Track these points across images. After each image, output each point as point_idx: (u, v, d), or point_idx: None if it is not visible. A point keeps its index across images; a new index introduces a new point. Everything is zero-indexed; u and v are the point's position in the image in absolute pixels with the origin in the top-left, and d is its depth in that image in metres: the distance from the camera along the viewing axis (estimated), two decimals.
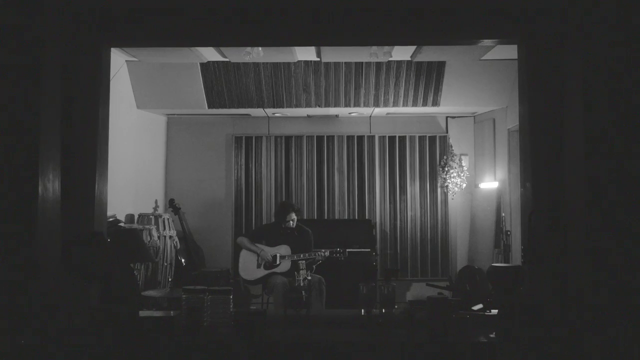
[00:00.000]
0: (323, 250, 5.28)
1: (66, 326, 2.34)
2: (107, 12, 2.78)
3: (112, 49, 3.10)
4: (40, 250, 2.40)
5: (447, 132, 6.93)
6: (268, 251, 5.30)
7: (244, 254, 5.38)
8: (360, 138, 6.91)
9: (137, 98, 6.09)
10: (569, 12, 2.61)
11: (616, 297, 2.33)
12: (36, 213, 2.38)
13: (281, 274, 5.17)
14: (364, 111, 6.51)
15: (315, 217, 6.77)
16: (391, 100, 6.11)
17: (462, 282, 6.22)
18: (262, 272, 5.28)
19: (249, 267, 5.32)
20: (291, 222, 5.36)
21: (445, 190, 6.79)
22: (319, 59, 5.66)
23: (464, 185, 6.67)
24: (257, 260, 5.31)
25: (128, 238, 4.32)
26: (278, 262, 5.25)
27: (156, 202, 6.51)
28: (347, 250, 5.47)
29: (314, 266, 5.29)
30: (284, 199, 6.75)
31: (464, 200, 6.86)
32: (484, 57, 5.51)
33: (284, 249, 5.30)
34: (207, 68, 5.84)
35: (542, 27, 2.74)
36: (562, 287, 2.57)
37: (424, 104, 6.15)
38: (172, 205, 6.10)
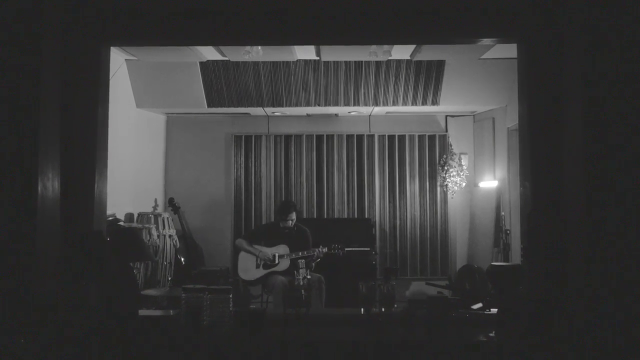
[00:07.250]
0: (320, 247, 5.28)
1: (66, 326, 2.34)
2: (107, 11, 2.78)
3: (112, 48, 3.10)
4: (39, 250, 2.40)
5: (446, 131, 6.92)
6: (267, 251, 5.30)
7: (242, 255, 5.38)
8: (360, 137, 6.91)
9: (137, 97, 6.09)
10: (568, 11, 2.60)
11: (616, 296, 2.33)
12: (36, 212, 2.38)
13: (280, 274, 5.18)
14: (364, 110, 6.51)
15: (315, 216, 6.78)
16: (391, 99, 6.10)
17: (461, 281, 6.22)
18: (261, 272, 5.28)
19: (248, 267, 5.33)
20: (290, 221, 5.37)
21: (445, 189, 6.79)
22: (318, 58, 5.66)
23: (464, 184, 6.67)
24: (257, 261, 5.31)
25: (127, 237, 4.31)
26: (277, 262, 5.26)
27: (156, 201, 6.51)
28: (347, 249, 5.47)
29: (313, 264, 5.29)
30: (283, 198, 6.76)
31: (464, 199, 6.86)
32: (484, 56, 5.51)
33: (282, 249, 5.30)
34: (207, 67, 5.84)
35: (541, 26, 2.74)
36: (562, 286, 2.57)
37: (424, 103, 6.15)
38: (171, 204, 6.10)
